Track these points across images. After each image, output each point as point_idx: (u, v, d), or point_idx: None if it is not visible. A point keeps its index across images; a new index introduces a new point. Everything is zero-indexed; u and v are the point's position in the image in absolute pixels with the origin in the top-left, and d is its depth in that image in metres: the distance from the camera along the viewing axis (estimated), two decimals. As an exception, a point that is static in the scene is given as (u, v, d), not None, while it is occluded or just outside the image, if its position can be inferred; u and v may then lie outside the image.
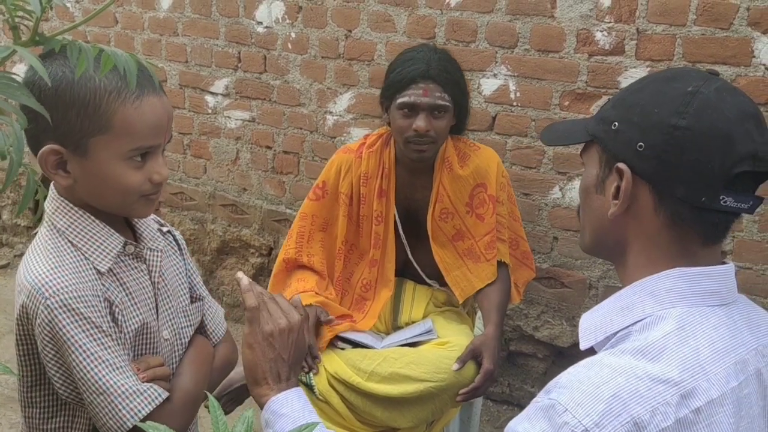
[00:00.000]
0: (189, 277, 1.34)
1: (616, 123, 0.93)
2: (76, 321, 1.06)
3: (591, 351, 0.94)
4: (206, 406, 1.64)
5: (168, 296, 1.25)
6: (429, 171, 2.03)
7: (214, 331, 1.37)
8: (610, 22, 2.29)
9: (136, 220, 1.23)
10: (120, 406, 1.08)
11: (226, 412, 1.82)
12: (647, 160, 0.89)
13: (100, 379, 1.07)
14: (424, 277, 2.12)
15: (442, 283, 2.13)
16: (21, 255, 3.88)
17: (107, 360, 1.08)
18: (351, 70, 2.77)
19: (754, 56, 2.12)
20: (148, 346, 1.20)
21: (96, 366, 1.07)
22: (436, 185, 2.02)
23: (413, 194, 2.06)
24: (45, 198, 1.14)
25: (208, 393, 0.81)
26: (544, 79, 2.43)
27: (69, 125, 1.04)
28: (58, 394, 1.12)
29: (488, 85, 2.51)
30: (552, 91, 2.42)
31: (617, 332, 0.90)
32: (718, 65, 2.17)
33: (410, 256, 2.10)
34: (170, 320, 1.25)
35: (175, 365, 1.26)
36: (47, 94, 1.03)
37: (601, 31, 2.31)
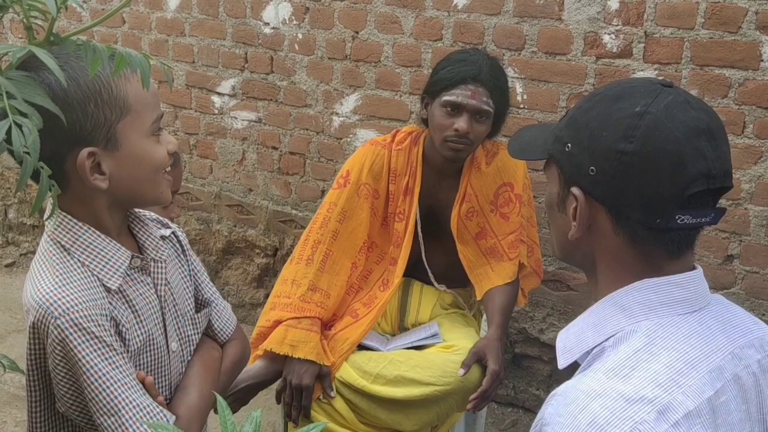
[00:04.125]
0: (194, 278, 1.32)
1: (569, 145, 0.92)
2: (88, 341, 1.05)
3: (575, 365, 0.94)
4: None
5: (174, 307, 1.23)
6: (456, 173, 2.03)
7: (221, 330, 1.35)
8: (618, 25, 2.28)
9: (138, 228, 1.21)
10: (130, 429, 1.07)
11: (231, 412, 1.82)
12: (599, 184, 0.88)
13: (111, 400, 1.06)
14: (432, 279, 2.11)
15: (450, 285, 2.13)
16: (26, 254, 3.88)
17: (118, 380, 1.07)
18: (358, 72, 2.77)
19: (762, 60, 2.12)
20: (152, 361, 1.19)
21: (107, 387, 1.06)
22: (463, 185, 2.01)
23: (437, 194, 2.05)
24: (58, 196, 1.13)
25: (216, 393, 0.81)
26: (552, 82, 2.42)
27: (94, 120, 1.03)
28: (67, 413, 1.11)
29: (495, 87, 2.50)
30: (559, 94, 2.42)
31: (592, 349, 0.90)
32: (726, 69, 2.16)
33: (423, 256, 2.10)
34: (177, 331, 1.23)
35: (180, 375, 1.25)
36: (56, 100, 1.00)
37: (608, 34, 2.31)
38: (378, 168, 2.02)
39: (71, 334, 1.04)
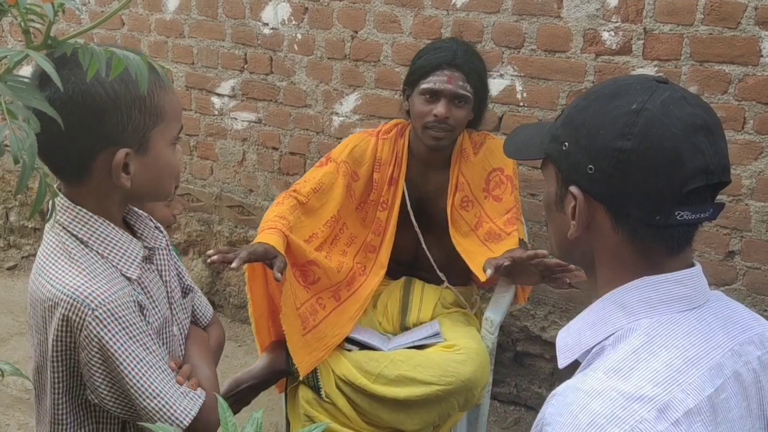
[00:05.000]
0: (175, 266, 1.35)
1: (566, 144, 0.92)
2: (125, 329, 1.09)
3: (576, 364, 0.94)
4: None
5: (173, 292, 1.27)
6: (444, 163, 2.04)
7: (203, 315, 1.40)
8: (617, 22, 2.28)
9: (134, 220, 1.25)
10: (174, 408, 1.12)
11: (234, 413, 1.82)
12: (598, 183, 0.88)
13: (152, 383, 1.10)
14: (435, 268, 2.11)
15: (451, 280, 2.12)
16: (28, 257, 3.88)
17: (155, 364, 1.12)
18: (357, 71, 2.77)
19: (761, 56, 2.12)
20: (165, 346, 1.22)
21: (146, 371, 1.10)
22: (455, 175, 2.03)
23: (426, 185, 2.07)
24: (72, 189, 1.14)
25: (218, 395, 0.81)
26: (551, 80, 2.42)
27: (135, 123, 1.08)
28: (101, 403, 1.13)
29: (495, 85, 2.50)
30: (559, 92, 2.42)
31: (592, 348, 0.90)
32: (725, 65, 2.16)
33: (423, 245, 2.10)
34: (177, 315, 1.28)
35: (181, 357, 1.29)
36: (107, 100, 1.04)
37: (608, 31, 2.30)
38: (360, 152, 2.05)
39: (109, 323, 1.07)
